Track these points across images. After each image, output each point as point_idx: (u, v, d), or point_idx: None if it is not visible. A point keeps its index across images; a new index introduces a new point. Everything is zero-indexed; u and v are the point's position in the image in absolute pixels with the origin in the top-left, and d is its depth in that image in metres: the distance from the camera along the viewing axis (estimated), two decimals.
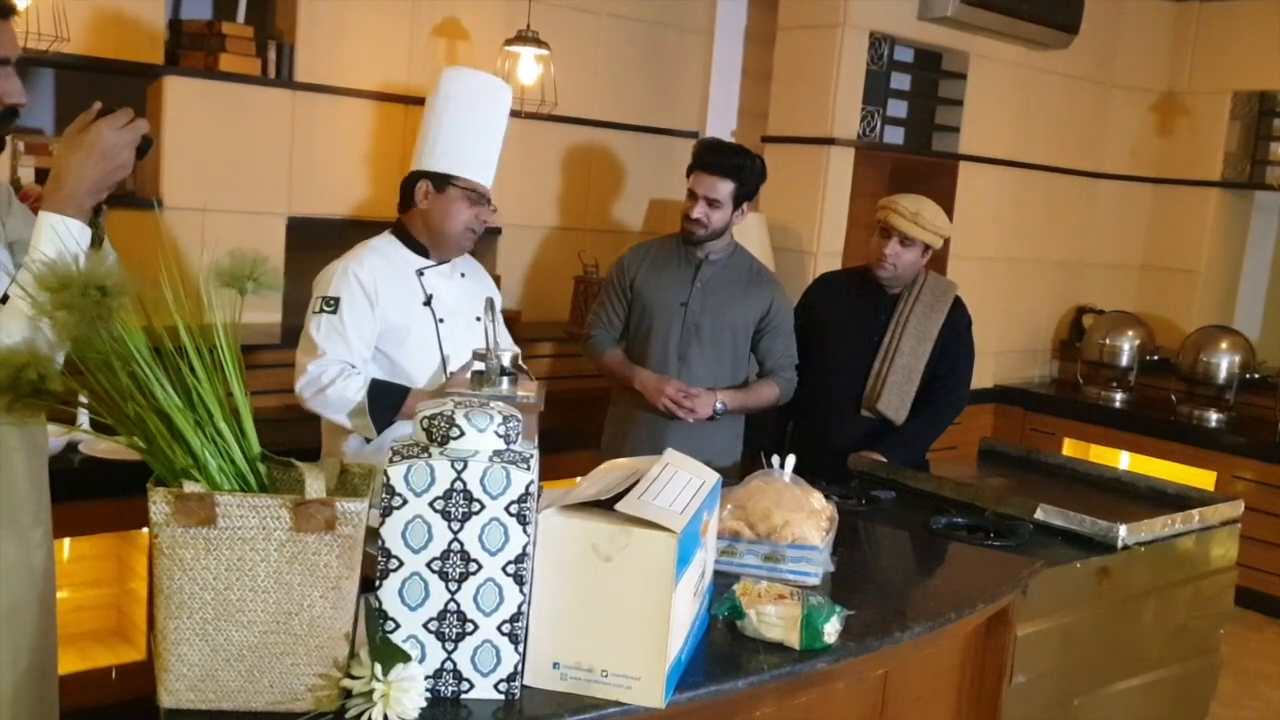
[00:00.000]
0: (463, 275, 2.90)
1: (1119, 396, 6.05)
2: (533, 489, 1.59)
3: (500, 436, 1.62)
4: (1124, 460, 6.09)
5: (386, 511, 1.58)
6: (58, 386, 1.54)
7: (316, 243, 4.59)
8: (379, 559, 1.59)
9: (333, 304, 2.63)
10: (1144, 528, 2.83)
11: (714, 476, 1.91)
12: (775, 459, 2.52)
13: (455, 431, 1.60)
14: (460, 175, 2.70)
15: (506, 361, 1.94)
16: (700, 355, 3.42)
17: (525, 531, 1.60)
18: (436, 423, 1.60)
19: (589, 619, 1.65)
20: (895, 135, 5.71)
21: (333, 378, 2.61)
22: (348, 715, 1.52)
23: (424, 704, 1.54)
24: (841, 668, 1.92)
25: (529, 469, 1.60)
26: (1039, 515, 2.86)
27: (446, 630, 1.61)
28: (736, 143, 3.80)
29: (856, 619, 1.97)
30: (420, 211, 2.74)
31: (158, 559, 1.49)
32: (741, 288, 3.48)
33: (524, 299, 4.97)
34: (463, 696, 1.62)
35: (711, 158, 3.38)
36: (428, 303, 2.75)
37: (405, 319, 2.71)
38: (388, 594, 1.59)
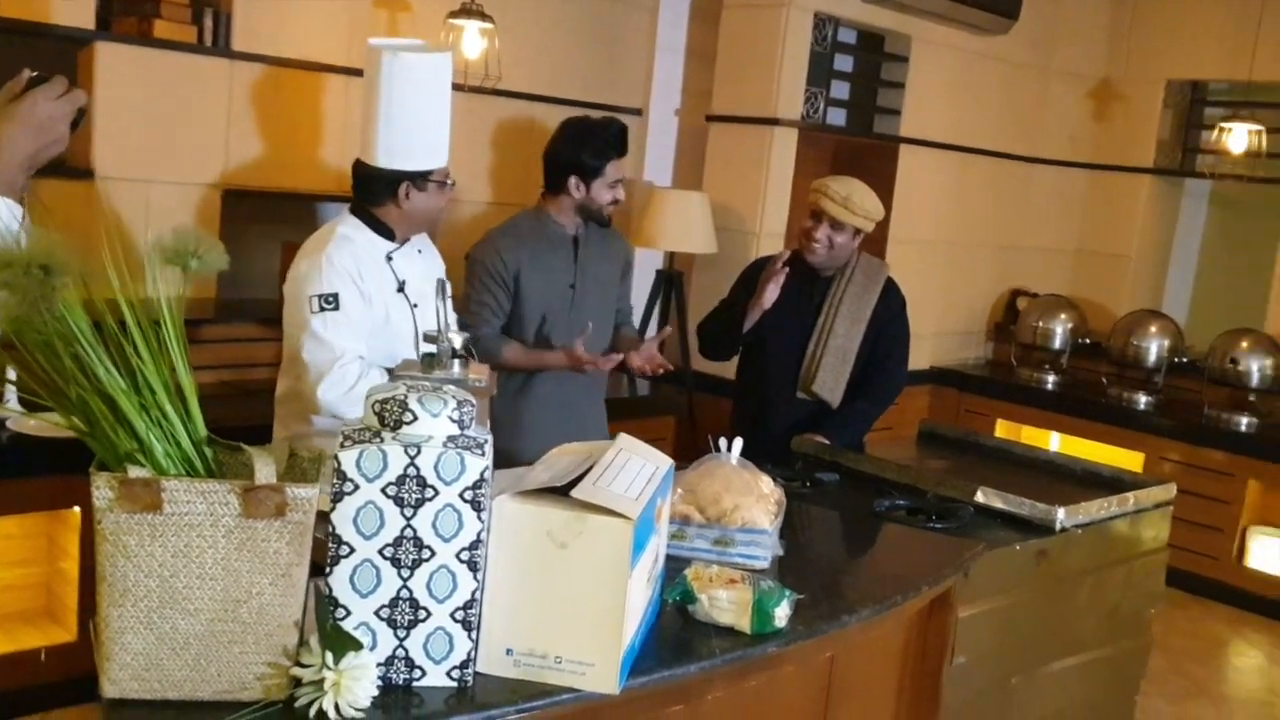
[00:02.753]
0: (419, 252, 2.89)
1: (1051, 379, 6.16)
2: (487, 475, 1.57)
3: (454, 421, 1.59)
4: (1054, 441, 6.21)
5: (338, 497, 1.55)
6: None
7: (254, 215, 4.52)
8: (330, 545, 1.56)
9: (332, 300, 2.58)
10: (1081, 510, 2.88)
11: (667, 461, 1.90)
12: (723, 441, 2.53)
13: (408, 416, 1.57)
14: (435, 168, 2.71)
15: (458, 344, 1.92)
16: (595, 333, 3.38)
17: (479, 518, 1.58)
18: (389, 407, 1.58)
19: (543, 605, 1.64)
20: (837, 117, 5.73)
21: (357, 375, 2.58)
22: (297, 704, 1.50)
23: (376, 692, 1.51)
24: (791, 651, 1.93)
25: (484, 454, 1.58)
26: (979, 498, 2.90)
27: (398, 618, 1.58)
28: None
29: (804, 603, 1.98)
30: (398, 207, 2.73)
31: (100, 545, 1.45)
32: (609, 252, 3.51)
33: (456, 281, 4.91)
34: (414, 684, 1.60)
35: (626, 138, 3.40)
36: (401, 289, 2.74)
37: (384, 305, 2.70)
38: (338, 581, 1.57)
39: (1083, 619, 3.04)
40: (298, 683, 1.51)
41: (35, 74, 1.77)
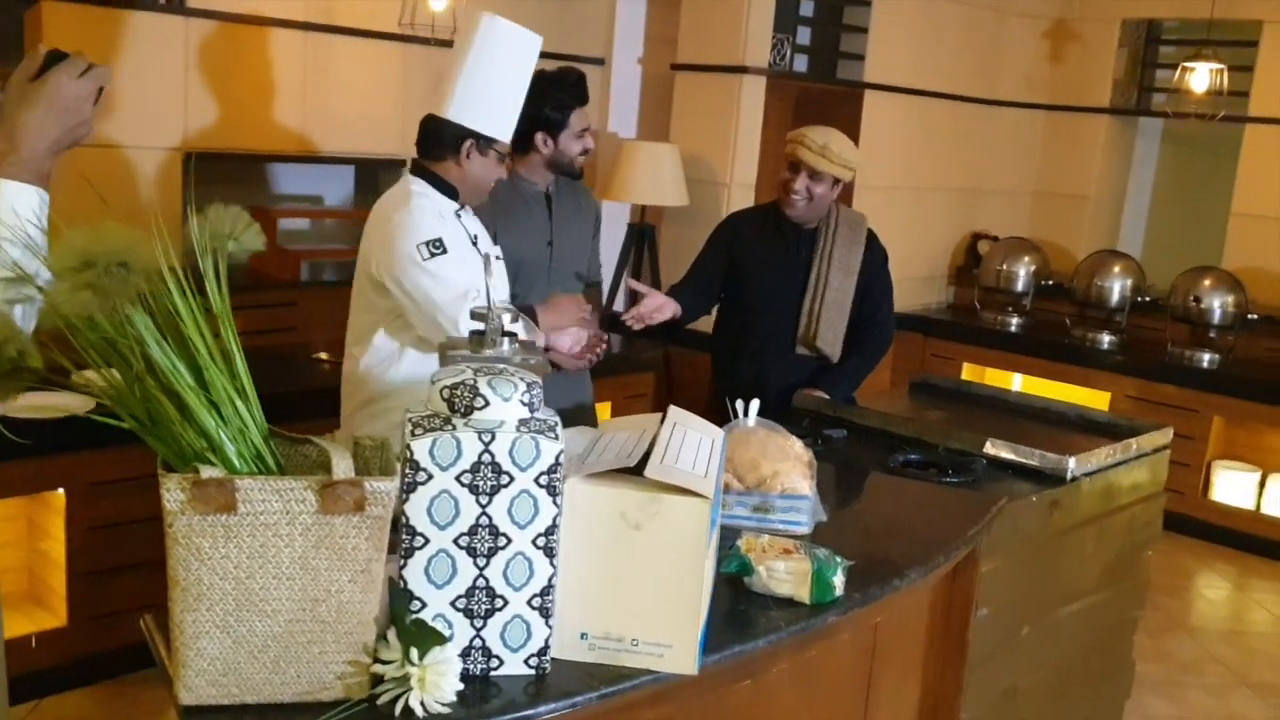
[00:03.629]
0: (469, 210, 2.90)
1: (1015, 321, 6.22)
2: (562, 458, 1.53)
3: (525, 405, 1.54)
4: (1017, 382, 6.29)
5: (411, 488, 1.49)
6: (37, 363, 1.41)
7: (218, 177, 4.37)
8: (403, 537, 1.51)
9: (439, 244, 2.58)
10: (1090, 459, 2.90)
11: (719, 433, 1.87)
12: (739, 404, 2.50)
13: (480, 401, 1.52)
14: (503, 140, 2.71)
15: (507, 322, 1.86)
16: (572, 290, 3.39)
17: (555, 503, 1.53)
18: (459, 392, 1.52)
19: (618, 588, 1.61)
20: (800, 63, 5.68)
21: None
22: (380, 702, 1.45)
23: (461, 686, 1.47)
24: (847, 619, 1.92)
25: (557, 438, 1.53)
26: (989, 449, 2.92)
27: (475, 607, 1.54)
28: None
29: (854, 569, 1.97)
30: (458, 165, 2.71)
31: (172, 549, 1.39)
32: (580, 206, 3.49)
33: None
34: (492, 674, 1.57)
35: (585, 87, 3.36)
36: (475, 243, 2.73)
37: (463, 259, 2.67)
38: (413, 573, 1.52)
39: (1088, 565, 3.08)
40: (379, 680, 1.46)
41: (52, 50, 1.66)
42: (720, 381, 3.74)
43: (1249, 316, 5.62)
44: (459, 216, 2.76)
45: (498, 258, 2.80)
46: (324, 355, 4.15)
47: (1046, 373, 5.99)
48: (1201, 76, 5.38)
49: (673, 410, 1.87)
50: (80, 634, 3.41)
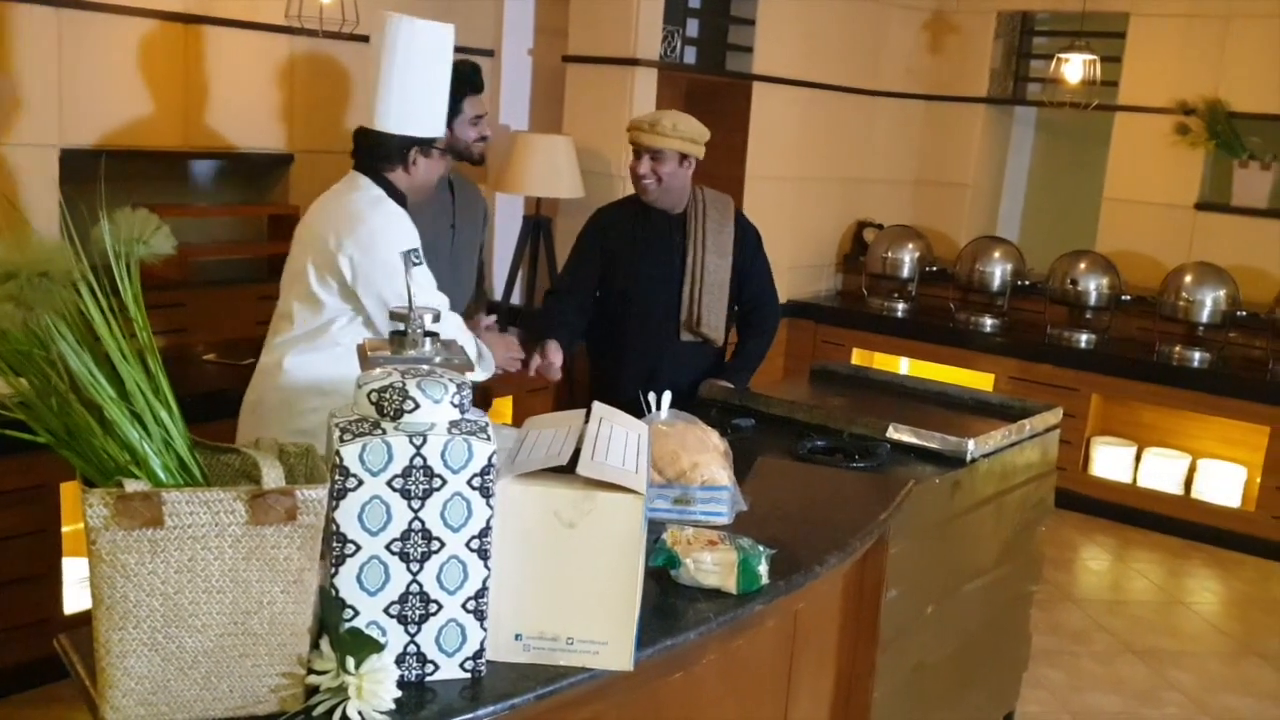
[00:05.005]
0: None
1: (901, 306, 6.37)
2: (495, 460, 1.52)
3: (455, 406, 1.53)
4: (904, 366, 6.45)
5: (341, 494, 1.47)
6: None
7: (95, 174, 4.21)
8: (334, 544, 1.48)
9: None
10: (988, 440, 3.00)
11: (643, 428, 1.88)
12: (651, 397, 2.51)
13: (409, 404, 1.50)
14: (441, 136, 2.73)
15: (429, 322, 1.84)
16: (466, 276, 3.45)
17: (489, 504, 1.52)
18: (388, 395, 1.50)
19: (552, 588, 1.60)
20: (690, 55, 5.72)
21: (458, 321, 2.64)
22: (316, 713, 1.43)
23: (398, 693, 1.46)
24: (771, 607, 1.95)
25: (489, 439, 1.52)
26: (891, 434, 2.99)
27: (409, 613, 1.52)
28: None
29: (776, 557, 2.00)
30: (406, 173, 2.72)
31: (96, 566, 1.34)
32: (472, 198, 3.54)
33: None
34: (428, 679, 1.55)
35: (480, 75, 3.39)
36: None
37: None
38: (345, 581, 1.49)
39: (987, 543, 3.18)
40: (314, 691, 1.44)
41: None
42: (603, 380, 3.66)
43: (1123, 297, 5.85)
44: None
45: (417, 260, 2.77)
46: (212, 357, 4.04)
47: (932, 356, 6.15)
48: (1075, 67, 5.58)
49: (597, 406, 1.88)
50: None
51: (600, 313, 3.63)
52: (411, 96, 2.62)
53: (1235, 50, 5.88)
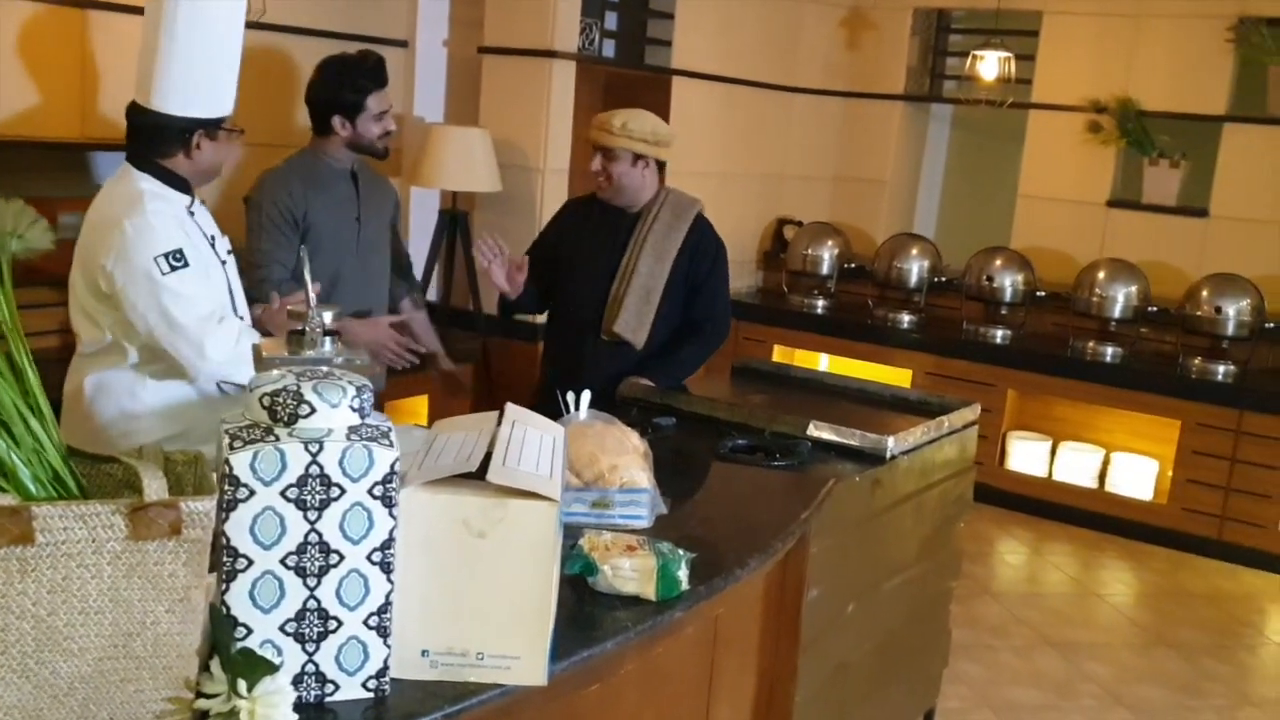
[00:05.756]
0: (201, 204, 2.65)
1: (821, 303, 6.37)
2: (397, 467, 1.44)
3: (355, 410, 1.44)
4: (824, 362, 6.46)
5: (231, 506, 1.37)
6: None
7: None
8: (224, 559, 1.39)
9: (180, 256, 2.36)
10: (907, 437, 2.98)
11: (559, 430, 1.81)
12: (570, 397, 2.45)
13: (304, 409, 1.41)
14: (227, 115, 2.52)
15: (329, 320, 1.74)
16: (377, 270, 3.47)
17: (391, 514, 1.44)
18: (281, 400, 1.41)
19: (461, 600, 1.52)
20: (609, 49, 5.65)
21: (237, 332, 2.40)
22: None
23: (294, 715, 1.37)
24: (692, 613, 1.89)
25: (392, 444, 1.44)
26: (811, 431, 2.95)
27: (306, 631, 1.43)
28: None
29: (696, 561, 1.95)
30: (187, 158, 2.51)
31: None
32: (380, 189, 3.53)
33: (225, 225, 4.56)
34: (327, 699, 1.46)
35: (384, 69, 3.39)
36: (213, 244, 2.51)
37: (205, 263, 2.47)
38: (237, 597, 1.40)
39: (907, 540, 3.16)
40: (203, 716, 1.34)
41: None
42: (545, 368, 3.70)
43: (1037, 293, 5.92)
44: (193, 215, 2.55)
45: (229, 251, 2.65)
46: None
47: (852, 352, 6.16)
48: (991, 65, 5.62)
49: (510, 408, 1.80)
50: None
51: (550, 304, 3.62)
52: (194, 72, 2.41)
53: (1146, 49, 5.97)
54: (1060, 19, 6.16)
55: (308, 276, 1.89)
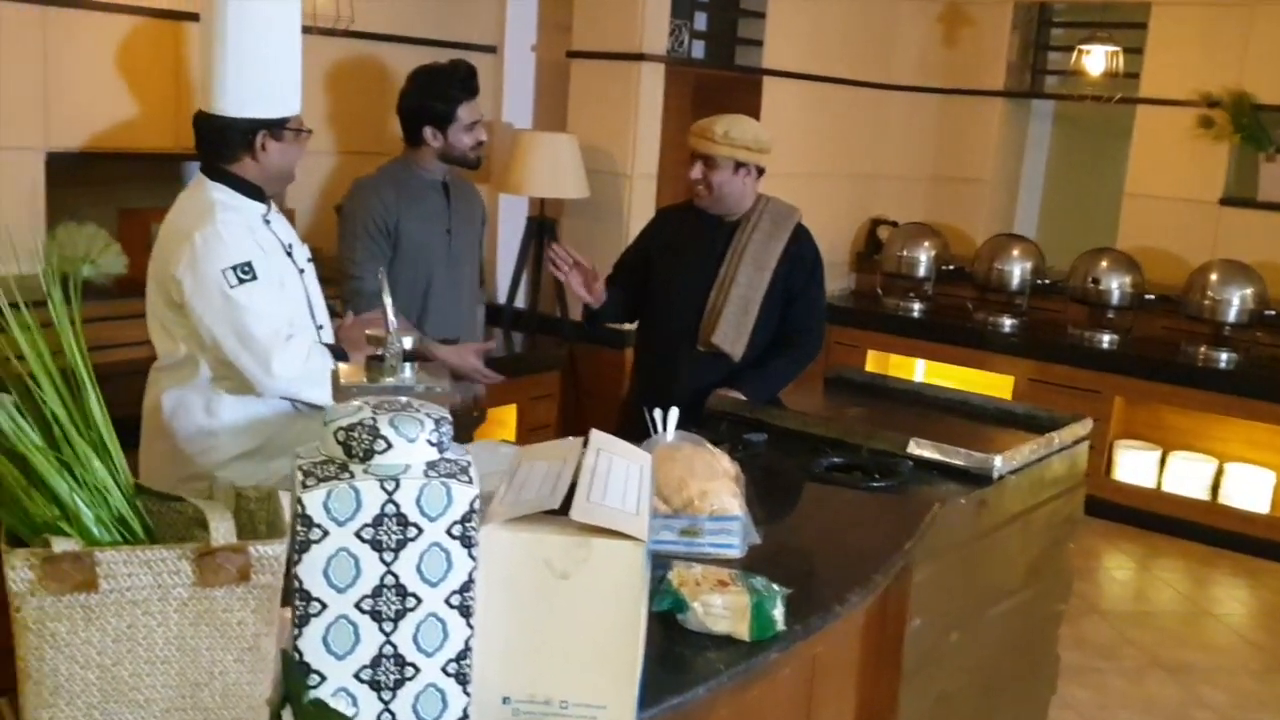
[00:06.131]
0: (278, 213, 2.63)
1: (917, 306, 6.19)
2: (477, 505, 1.36)
3: (433, 445, 1.37)
4: (920, 368, 6.28)
5: (303, 547, 1.31)
6: None
7: (83, 178, 4.06)
8: (297, 603, 1.32)
9: (248, 269, 2.31)
10: (1015, 456, 2.83)
11: (646, 458, 1.72)
12: (658, 414, 2.36)
13: (380, 444, 1.34)
14: (291, 115, 2.46)
15: (408, 344, 1.67)
16: (467, 282, 3.45)
17: (471, 555, 1.36)
18: (356, 434, 1.34)
19: (543, 645, 1.44)
20: (698, 50, 5.55)
21: (306, 349, 2.36)
22: None
23: None
24: (789, 653, 1.78)
25: (471, 481, 1.36)
26: (912, 449, 2.82)
27: (382, 678, 1.36)
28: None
29: (792, 596, 1.84)
30: (255, 161, 2.45)
31: (22, 636, 1.18)
32: (471, 201, 3.50)
33: (316, 234, 4.57)
34: None
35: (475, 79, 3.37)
36: (289, 253, 2.49)
37: (278, 272, 2.42)
38: (310, 643, 1.33)
39: (1014, 563, 3.00)
40: None
41: None
42: (635, 379, 3.62)
43: (1146, 296, 5.67)
44: (269, 224, 2.51)
45: (309, 260, 2.61)
46: None
47: (950, 357, 5.97)
48: (1098, 59, 5.40)
49: (594, 435, 1.71)
50: None
51: (641, 314, 3.54)
52: (252, 72, 2.37)
53: (1260, 40, 5.68)
54: (1170, 9, 5.89)
55: (387, 299, 1.83)
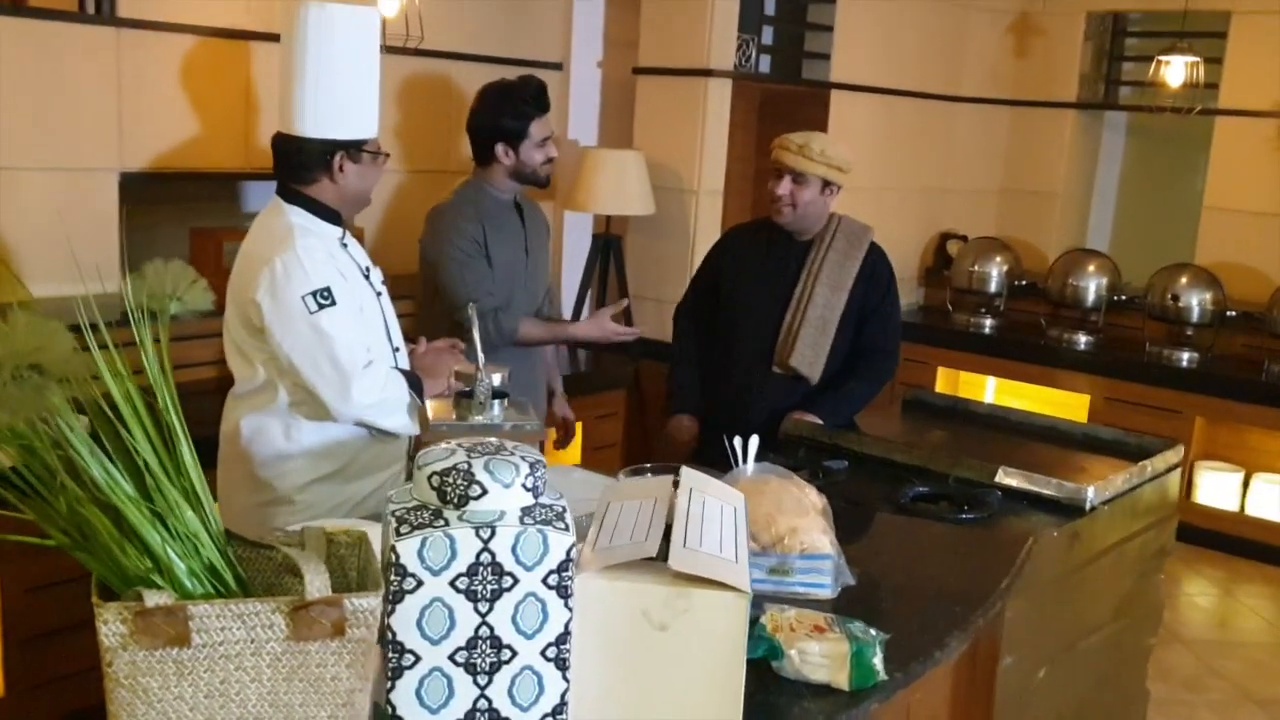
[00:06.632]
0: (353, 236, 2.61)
1: (989, 322, 6.07)
2: (574, 553, 1.31)
3: (528, 490, 1.32)
4: (991, 385, 6.15)
5: (397, 597, 1.26)
6: None
7: (155, 198, 4.09)
8: (390, 655, 1.28)
9: (327, 295, 2.29)
10: (1108, 486, 2.72)
11: (739, 498, 1.66)
12: (737, 442, 2.29)
13: (475, 489, 1.29)
14: (369, 137, 2.43)
15: (497, 381, 1.63)
16: (542, 300, 3.43)
17: (567, 605, 1.31)
18: (451, 480, 1.29)
19: (641, 700, 1.38)
20: (764, 64, 5.48)
21: (384, 378, 2.33)
22: None
23: None
24: (888, 704, 1.71)
25: (567, 528, 1.31)
26: (1000, 479, 2.72)
27: None
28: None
29: (889, 641, 1.76)
30: (332, 182, 2.42)
31: (113, 691, 1.15)
32: (540, 219, 3.48)
33: (387, 255, 4.55)
34: None
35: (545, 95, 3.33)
36: (367, 275, 2.47)
37: (358, 298, 2.40)
38: (403, 697, 1.29)
39: (1103, 596, 2.90)
40: None
41: None
42: (709, 400, 3.50)
43: (1227, 313, 5.50)
44: (345, 247, 2.48)
45: (384, 283, 2.58)
46: None
47: (1022, 375, 5.84)
48: (1177, 69, 5.25)
49: (686, 473, 1.66)
50: (21, 705, 3.13)
51: (715, 332, 3.47)
52: (331, 93, 2.35)
53: None
54: (1251, 18, 5.72)
55: (476, 336, 1.78)
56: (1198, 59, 5.28)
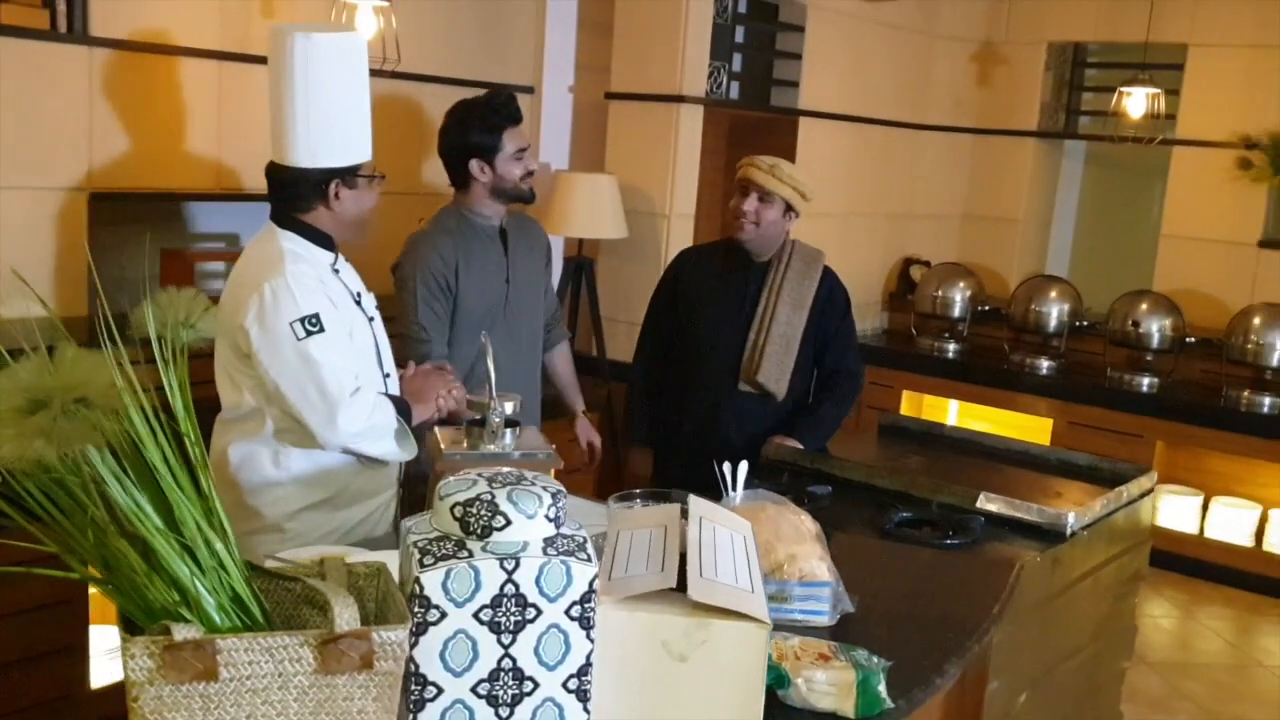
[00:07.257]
0: (345, 261, 2.58)
1: (952, 347, 6.14)
2: (596, 585, 1.30)
3: (550, 520, 1.32)
4: (953, 409, 6.21)
5: (421, 629, 1.25)
6: None
7: (125, 218, 4.04)
8: (412, 687, 1.27)
9: (315, 321, 2.26)
10: (1087, 512, 2.76)
11: (746, 526, 1.67)
12: (726, 468, 2.29)
13: (499, 520, 1.29)
14: (364, 161, 2.41)
15: (509, 409, 1.62)
16: (527, 337, 3.30)
17: (589, 637, 1.31)
18: (475, 510, 1.29)
19: None
20: (734, 91, 5.53)
21: (371, 404, 2.29)
22: None
23: None
24: None
25: (590, 559, 1.31)
26: (982, 504, 2.76)
27: None
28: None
29: (891, 669, 1.78)
30: (328, 209, 2.41)
31: None
32: (531, 241, 3.33)
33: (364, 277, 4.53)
34: None
35: (516, 105, 3.17)
36: (358, 301, 2.44)
37: (348, 322, 2.38)
38: None
39: (1081, 620, 2.94)
40: None
41: None
42: (677, 419, 3.48)
43: (1187, 339, 5.61)
44: (337, 273, 2.46)
45: (376, 307, 2.56)
46: None
47: (985, 399, 5.91)
48: (1139, 100, 5.36)
49: (694, 502, 1.66)
50: None
51: (672, 355, 3.48)
52: (323, 122, 2.34)
53: None
54: (1207, 51, 5.86)
55: (490, 365, 1.78)
56: (1158, 90, 5.39)
